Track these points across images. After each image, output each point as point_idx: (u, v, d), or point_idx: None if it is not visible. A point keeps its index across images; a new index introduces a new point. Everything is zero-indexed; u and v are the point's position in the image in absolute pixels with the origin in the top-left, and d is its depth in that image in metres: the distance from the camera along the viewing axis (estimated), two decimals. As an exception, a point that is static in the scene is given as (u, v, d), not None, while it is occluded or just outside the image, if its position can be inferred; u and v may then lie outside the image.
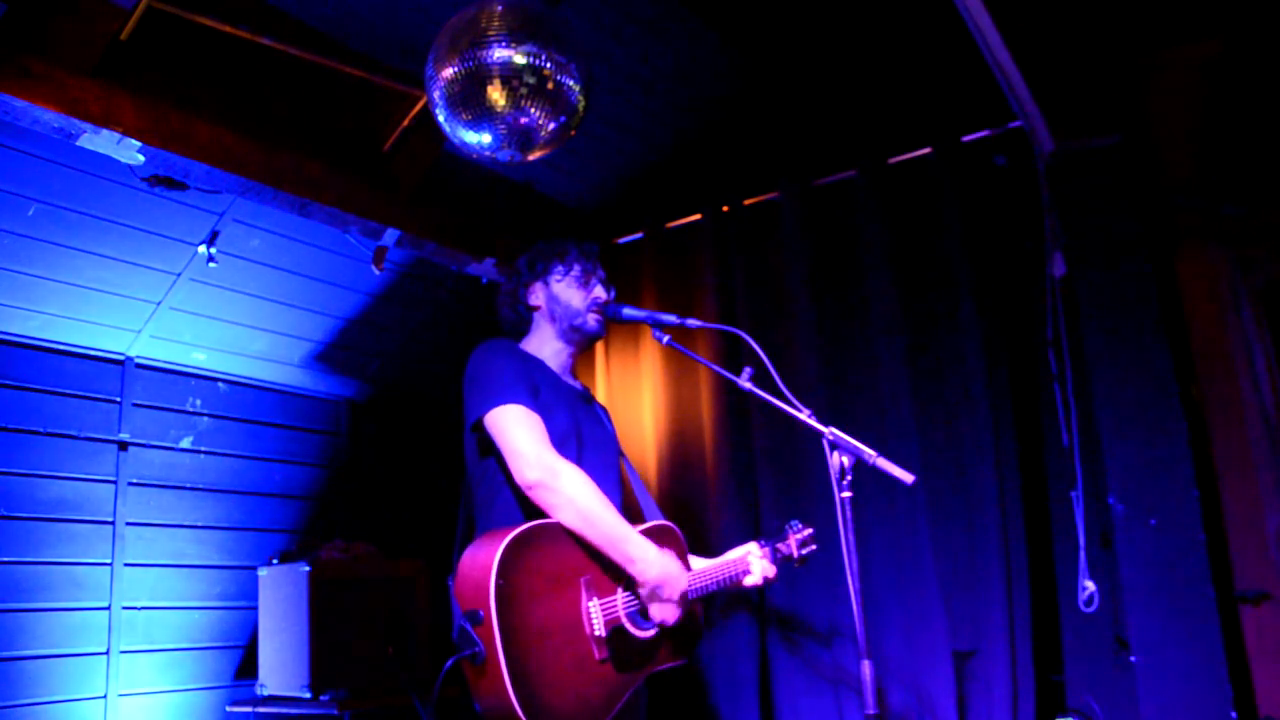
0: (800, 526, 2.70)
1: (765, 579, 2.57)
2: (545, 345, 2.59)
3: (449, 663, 2.08)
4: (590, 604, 2.22)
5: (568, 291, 2.58)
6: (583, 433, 2.47)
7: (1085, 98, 3.09)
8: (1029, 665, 3.00)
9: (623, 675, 2.23)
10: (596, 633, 2.20)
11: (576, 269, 2.59)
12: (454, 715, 2.24)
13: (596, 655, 2.19)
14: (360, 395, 4.57)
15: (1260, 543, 2.87)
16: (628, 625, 2.26)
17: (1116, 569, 2.88)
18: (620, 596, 2.28)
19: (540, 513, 2.29)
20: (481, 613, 2.06)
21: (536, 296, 2.61)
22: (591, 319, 2.59)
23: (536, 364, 2.51)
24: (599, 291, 2.61)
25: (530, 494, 2.26)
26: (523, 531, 2.16)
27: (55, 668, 3.40)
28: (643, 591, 2.26)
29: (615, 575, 2.29)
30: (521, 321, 2.63)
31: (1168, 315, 2.94)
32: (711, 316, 3.67)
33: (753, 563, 2.56)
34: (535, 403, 2.34)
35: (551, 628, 2.15)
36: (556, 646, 2.14)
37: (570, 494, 2.25)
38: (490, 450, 2.37)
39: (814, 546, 2.70)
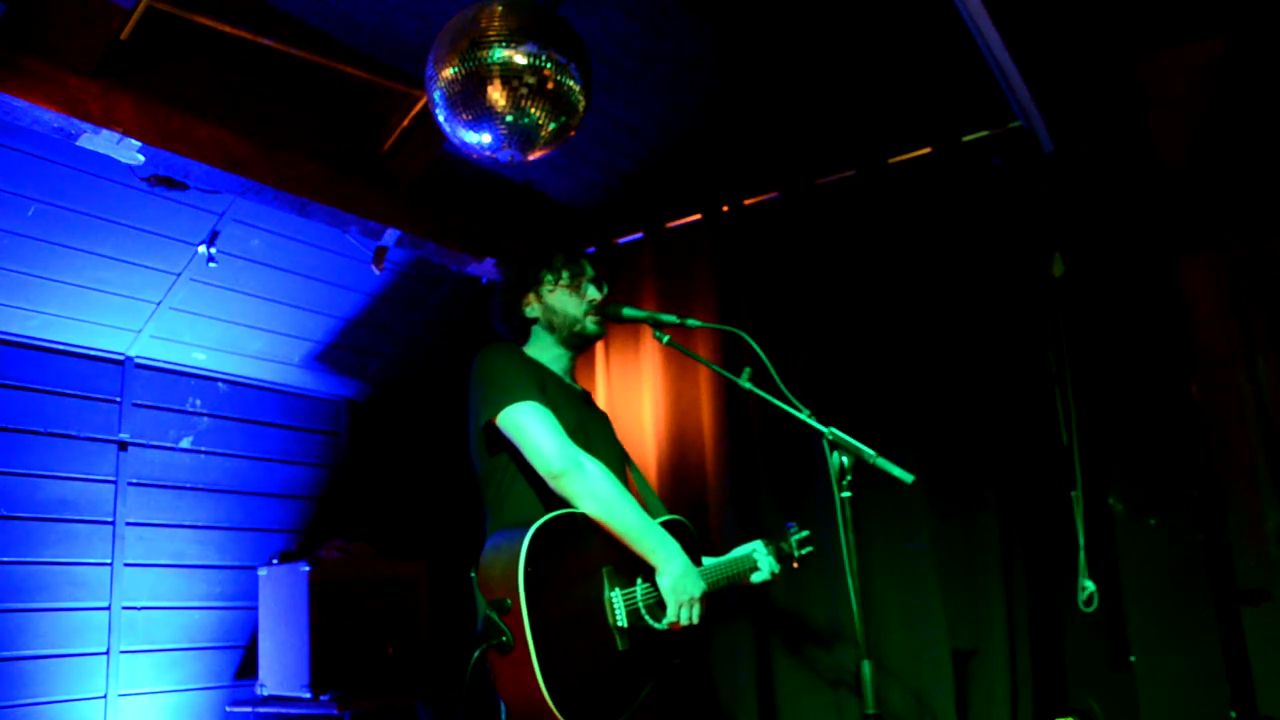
0: (797, 528, 2.76)
1: (772, 575, 2.63)
2: (546, 351, 2.60)
3: (478, 651, 2.08)
4: (612, 594, 2.23)
5: (561, 299, 2.59)
6: (588, 431, 2.49)
7: (1085, 98, 3.09)
8: (1029, 665, 3.00)
9: (644, 665, 2.25)
10: (618, 623, 2.21)
11: (565, 274, 2.59)
12: (456, 715, 2.24)
13: (619, 645, 2.20)
14: (360, 395, 4.57)
15: (1260, 543, 2.87)
16: (647, 617, 2.27)
17: (1116, 569, 2.88)
18: (640, 587, 2.29)
19: (551, 507, 2.30)
20: (510, 601, 2.06)
21: (532, 308, 2.61)
22: (590, 322, 2.60)
23: (540, 366, 2.52)
24: (592, 293, 2.61)
25: (554, 484, 2.28)
26: (548, 521, 2.18)
27: (55, 668, 3.40)
28: (663, 583, 2.27)
29: (635, 566, 2.30)
30: (520, 333, 2.64)
31: (1168, 315, 2.94)
32: (711, 316, 3.67)
33: (760, 560, 2.61)
34: (544, 399, 2.36)
35: (576, 617, 2.16)
36: (581, 636, 2.15)
37: (595, 484, 2.28)
38: (500, 448, 2.38)
39: (811, 548, 2.76)
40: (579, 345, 2.63)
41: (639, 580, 2.30)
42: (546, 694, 2.00)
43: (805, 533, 2.76)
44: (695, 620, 2.29)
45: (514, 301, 2.62)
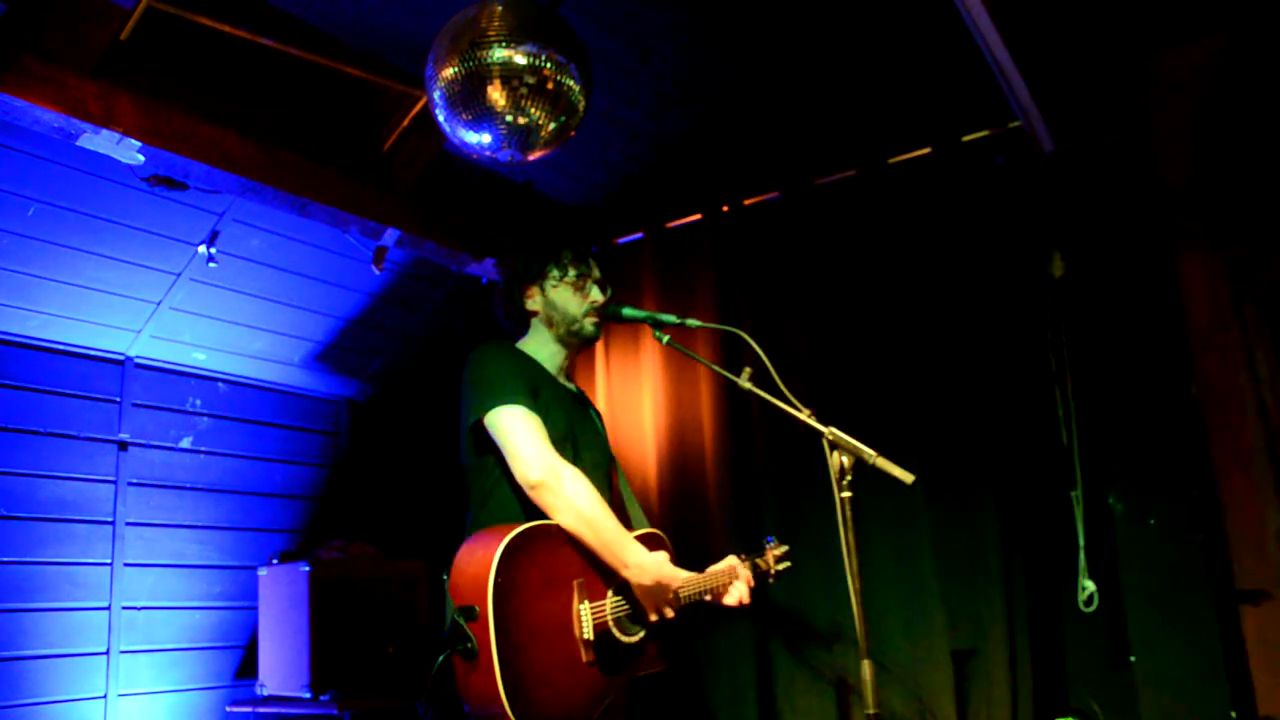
0: (776, 543, 2.76)
1: (741, 603, 2.56)
2: (543, 348, 2.59)
3: (442, 656, 2.10)
4: (581, 607, 2.23)
5: (564, 296, 2.58)
6: (577, 435, 2.49)
7: (1085, 98, 3.09)
8: (1029, 665, 3.00)
9: (607, 678, 2.25)
10: (585, 635, 2.22)
11: (571, 273, 2.58)
12: (452, 715, 2.24)
13: (584, 658, 2.21)
14: (360, 395, 4.57)
15: (1260, 543, 2.87)
16: (615, 630, 2.28)
17: (1116, 569, 2.88)
18: (610, 601, 2.29)
19: (531, 512, 2.30)
20: (477, 609, 2.08)
21: (533, 301, 2.60)
22: (589, 324, 2.59)
23: (535, 365, 2.52)
24: (595, 294, 2.60)
25: (531, 494, 2.27)
26: (522, 531, 2.18)
27: (55, 668, 3.40)
28: (639, 593, 2.28)
29: (607, 579, 2.30)
30: (519, 325, 2.63)
31: (1168, 315, 2.94)
32: (711, 316, 3.67)
33: (733, 587, 2.55)
34: (535, 404, 2.35)
35: (543, 628, 2.16)
36: (547, 646, 2.15)
37: (571, 496, 2.27)
38: (487, 449, 2.38)
39: (789, 563, 2.76)
40: (575, 345, 2.63)
41: (609, 594, 2.30)
42: (506, 704, 2.02)
43: (784, 548, 2.76)
44: (672, 617, 2.30)
45: (516, 292, 2.61)
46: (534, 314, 2.61)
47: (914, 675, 3.13)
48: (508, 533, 2.15)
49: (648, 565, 2.30)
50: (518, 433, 2.29)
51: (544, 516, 2.28)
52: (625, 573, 2.29)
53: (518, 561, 2.14)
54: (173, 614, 3.78)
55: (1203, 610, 2.72)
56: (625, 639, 2.28)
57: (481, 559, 2.13)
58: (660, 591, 2.28)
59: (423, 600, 3.90)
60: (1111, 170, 3.04)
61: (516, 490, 2.35)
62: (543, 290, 2.60)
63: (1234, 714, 2.63)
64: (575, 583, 2.25)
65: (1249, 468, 2.91)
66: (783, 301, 3.62)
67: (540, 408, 2.37)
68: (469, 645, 2.07)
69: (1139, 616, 2.80)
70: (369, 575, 3.76)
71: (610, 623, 2.28)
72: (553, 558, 2.24)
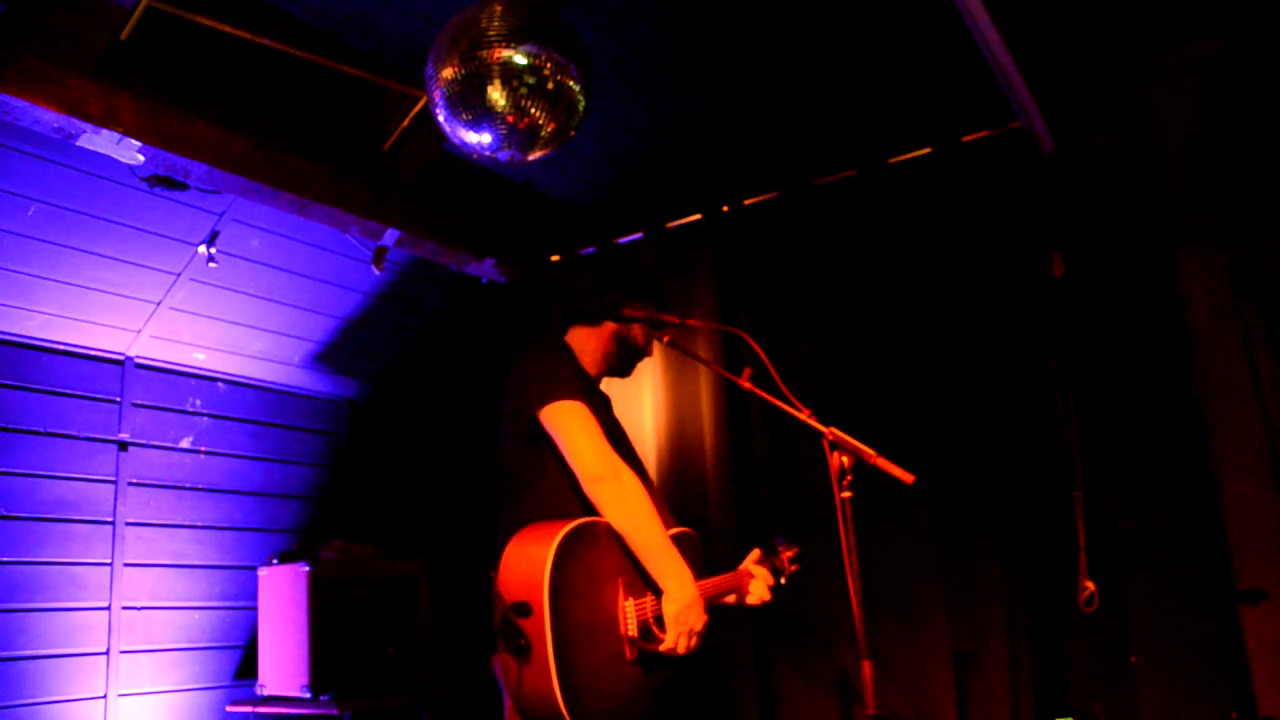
0: (788, 543, 2.77)
1: (762, 601, 2.61)
2: (586, 355, 2.60)
3: (497, 653, 2.09)
4: (626, 604, 2.25)
5: (639, 335, 2.64)
6: (617, 440, 2.50)
7: (1085, 98, 3.10)
8: (1029, 665, 3.00)
9: (648, 676, 2.26)
10: (629, 633, 2.23)
11: (662, 332, 2.61)
12: (457, 715, 2.24)
13: (628, 655, 2.22)
14: (360, 395, 4.57)
15: (1260, 543, 2.87)
16: (655, 628, 2.28)
17: (1116, 569, 2.88)
18: (650, 600, 2.30)
19: (567, 510, 2.30)
20: (531, 606, 2.07)
21: (620, 315, 2.59)
22: (629, 368, 2.68)
23: (583, 371, 2.55)
24: (649, 352, 2.69)
25: (590, 486, 2.29)
26: (574, 528, 2.19)
27: (55, 668, 3.40)
28: (669, 609, 2.27)
29: (648, 578, 2.31)
30: (588, 316, 2.62)
31: (1168, 315, 2.95)
32: (711, 316, 3.67)
33: (753, 586, 2.60)
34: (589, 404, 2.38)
35: (592, 625, 2.17)
36: (595, 643, 2.16)
37: (628, 495, 2.31)
38: (539, 442, 2.38)
39: (799, 566, 2.76)
40: (604, 369, 2.66)
41: (650, 593, 2.31)
42: (560, 699, 2.02)
43: (796, 548, 2.76)
44: (691, 650, 2.29)
45: (625, 298, 2.60)
46: (604, 322, 2.61)
47: (914, 675, 3.13)
48: (560, 529, 2.16)
49: (688, 585, 2.29)
50: (579, 429, 2.32)
51: (570, 516, 2.28)
52: (665, 584, 2.29)
53: (570, 558, 2.15)
54: (173, 614, 3.78)
55: (1203, 610, 2.72)
56: (664, 637, 2.29)
57: (535, 555, 2.13)
58: (687, 616, 2.28)
59: (423, 600, 3.90)
60: (1111, 170, 3.04)
61: (556, 487, 2.36)
62: (640, 320, 2.59)
63: (1234, 714, 2.63)
64: (620, 580, 2.26)
65: (1249, 467, 2.91)
66: (783, 302, 3.62)
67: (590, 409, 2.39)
68: (521, 642, 2.06)
69: (1139, 616, 2.80)
70: (369, 575, 3.76)
71: (651, 620, 2.29)
72: (599, 555, 2.25)
